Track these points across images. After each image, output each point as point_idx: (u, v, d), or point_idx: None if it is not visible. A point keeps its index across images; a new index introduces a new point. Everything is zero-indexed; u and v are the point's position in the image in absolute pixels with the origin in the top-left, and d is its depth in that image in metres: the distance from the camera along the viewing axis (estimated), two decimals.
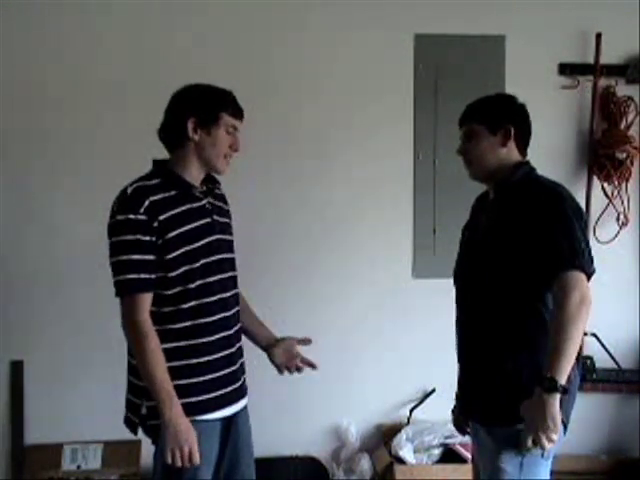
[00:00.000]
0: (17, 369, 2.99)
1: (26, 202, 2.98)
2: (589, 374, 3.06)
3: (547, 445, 1.71)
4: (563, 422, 1.81)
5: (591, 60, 3.15)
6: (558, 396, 1.69)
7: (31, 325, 2.99)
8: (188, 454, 1.78)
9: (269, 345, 2.16)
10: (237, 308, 2.00)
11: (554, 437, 1.70)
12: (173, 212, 1.82)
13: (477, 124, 1.93)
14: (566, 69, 3.17)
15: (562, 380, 1.69)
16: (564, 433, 1.85)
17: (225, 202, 2.06)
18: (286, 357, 2.16)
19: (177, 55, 2.97)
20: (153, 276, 1.80)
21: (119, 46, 2.97)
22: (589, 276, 1.77)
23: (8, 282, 2.96)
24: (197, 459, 1.79)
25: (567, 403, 1.83)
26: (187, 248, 1.82)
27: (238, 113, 1.92)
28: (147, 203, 1.78)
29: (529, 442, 1.72)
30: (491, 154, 1.93)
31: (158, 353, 1.78)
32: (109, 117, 2.97)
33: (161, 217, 1.79)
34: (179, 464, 1.78)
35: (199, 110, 1.86)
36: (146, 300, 1.80)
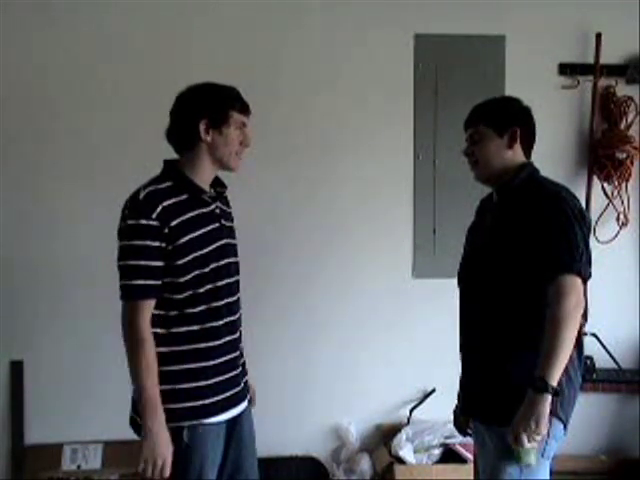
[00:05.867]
0: (17, 369, 2.99)
1: (27, 203, 2.97)
2: (589, 374, 3.06)
3: (526, 444, 1.72)
4: (563, 422, 1.82)
5: (591, 60, 3.15)
6: (548, 397, 1.70)
7: (31, 325, 2.99)
8: (160, 468, 1.77)
9: None
10: (241, 311, 2.01)
11: (536, 437, 1.71)
12: (184, 218, 1.81)
13: (484, 126, 1.94)
14: (566, 69, 3.17)
15: (553, 381, 1.70)
16: (564, 433, 1.85)
17: (229, 205, 2.06)
18: None
19: (177, 55, 2.97)
20: (159, 282, 1.80)
21: (119, 46, 2.96)
22: (585, 280, 1.79)
23: (8, 282, 2.96)
24: (167, 473, 1.78)
25: (567, 403, 1.83)
26: (197, 254, 1.82)
27: (246, 109, 1.93)
28: (159, 209, 1.77)
29: (509, 438, 1.74)
30: (497, 156, 1.93)
31: (152, 361, 1.78)
32: (110, 117, 2.97)
33: (172, 223, 1.79)
34: (149, 475, 1.77)
35: (209, 111, 1.86)
36: (149, 306, 1.80)
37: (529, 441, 1.72)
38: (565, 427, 1.84)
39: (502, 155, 1.94)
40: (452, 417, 2.17)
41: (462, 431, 2.15)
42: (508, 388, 1.84)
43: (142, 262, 1.77)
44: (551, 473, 1.90)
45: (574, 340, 1.74)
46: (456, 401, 2.13)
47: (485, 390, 1.92)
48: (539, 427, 1.70)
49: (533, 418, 1.70)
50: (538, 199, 1.83)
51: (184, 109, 1.90)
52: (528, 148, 1.98)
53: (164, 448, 1.77)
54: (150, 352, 1.78)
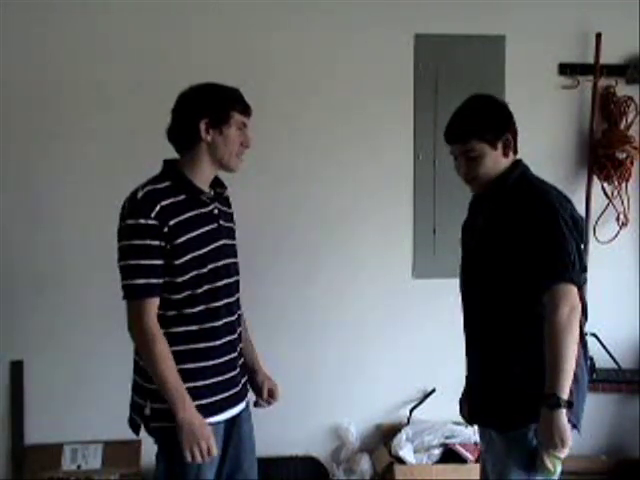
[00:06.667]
0: (17, 369, 2.98)
1: (28, 203, 2.97)
2: (589, 374, 3.06)
3: (559, 455, 1.73)
4: (573, 423, 1.81)
5: (591, 60, 3.15)
6: (563, 412, 1.71)
7: (31, 325, 2.99)
8: (207, 449, 1.79)
9: (253, 370, 2.14)
10: (240, 312, 2.01)
11: (565, 452, 1.73)
12: (182, 217, 1.82)
13: (477, 142, 1.88)
14: (566, 69, 3.17)
15: (564, 394, 1.71)
16: (579, 433, 1.85)
17: (229, 206, 2.06)
18: (266, 391, 2.15)
19: (177, 55, 2.97)
20: (161, 281, 1.80)
21: (119, 46, 2.96)
22: (580, 286, 1.79)
23: (8, 282, 2.96)
24: (215, 451, 1.82)
25: (577, 404, 1.83)
26: (195, 254, 1.83)
27: (247, 110, 1.93)
28: (158, 208, 1.78)
29: (548, 463, 1.75)
30: (495, 167, 1.91)
31: (167, 355, 1.79)
32: (110, 117, 2.97)
33: (171, 222, 1.79)
34: (199, 460, 1.79)
35: (210, 111, 1.86)
36: (154, 304, 1.80)
37: (559, 455, 1.73)
38: (576, 428, 1.84)
39: (499, 165, 1.91)
40: (453, 415, 2.17)
41: (468, 421, 2.14)
42: (513, 391, 1.84)
43: (143, 261, 1.77)
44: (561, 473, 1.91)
45: (575, 347, 1.74)
46: (462, 391, 2.12)
47: (491, 395, 1.91)
48: (565, 441, 1.71)
49: (557, 435, 1.71)
50: (530, 206, 1.82)
51: (185, 108, 1.90)
52: (515, 144, 1.95)
53: (203, 430, 1.79)
54: (163, 347, 1.78)
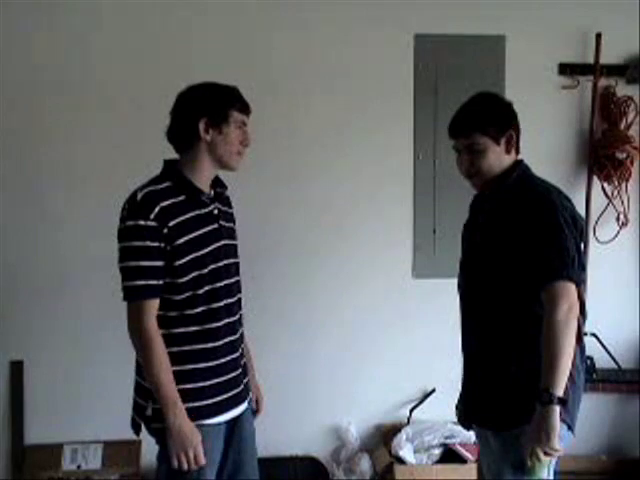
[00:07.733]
0: (17, 369, 2.98)
1: (26, 203, 2.97)
2: (589, 374, 3.06)
3: (544, 458, 1.72)
4: (567, 423, 1.81)
5: (591, 60, 3.15)
6: (556, 408, 1.70)
7: (31, 325, 2.99)
8: (193, 457, 1.79)
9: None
10: (241, 312, 2.01)
11: (551, 450, 1.71)
12: (182, 218, 1.82)
13: (480, 136, 1.89)
14: (566, 69, 3.17)
15: (558, 391, 1.70)
16: (573, 434, 1.85)
17: (230, 206, 2.06)
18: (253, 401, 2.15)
19: (177, 55, 2.97)
20: (161, 282, 1.80)
21: (119, 46, 2.96)
22: (578, 284, 1.79)
23: (8, 282, 2.96)
24: (202, 461, 1.81)
25: (572, 405, 1.83)
26: (196, 254, 1.83)
27: (246, 108, 1.93)
28: (157, 209, 1.78)
29: (528, 459, 1.74)
30: (497, 164, 1.91)
31: (164, 358, 1.79)
32: (110, 117, 2.97)
33: (171, 223, 1.79)
34: (185, 467, 1.79)
35: (209, 110, 1.86)
36: (153, 306, 1.80)
37: (545, 455, 1.72)
38: (571, 428, 1.84)
39: (501, 162, 1.91)
40: (453, 415, 2.16)
41: (466, 426, 2.14)
42: (510, 391, 1.85)
43: (143, 262, 1.77)
44: (555, 473, 1.90)
45: (573, 346, 1.74)
46: (458, 397, 2.11)
47: (488, 395, 1.91)
48: (552, 440, 1.70)
49: (544, 431, 1.70)
50: (529, 203, 1.83)
51: (184, 108, 1.90)
52: (517, 143, 1.96)
53: (191, 437, 1.79)
54: (160, 350, 1.78)
